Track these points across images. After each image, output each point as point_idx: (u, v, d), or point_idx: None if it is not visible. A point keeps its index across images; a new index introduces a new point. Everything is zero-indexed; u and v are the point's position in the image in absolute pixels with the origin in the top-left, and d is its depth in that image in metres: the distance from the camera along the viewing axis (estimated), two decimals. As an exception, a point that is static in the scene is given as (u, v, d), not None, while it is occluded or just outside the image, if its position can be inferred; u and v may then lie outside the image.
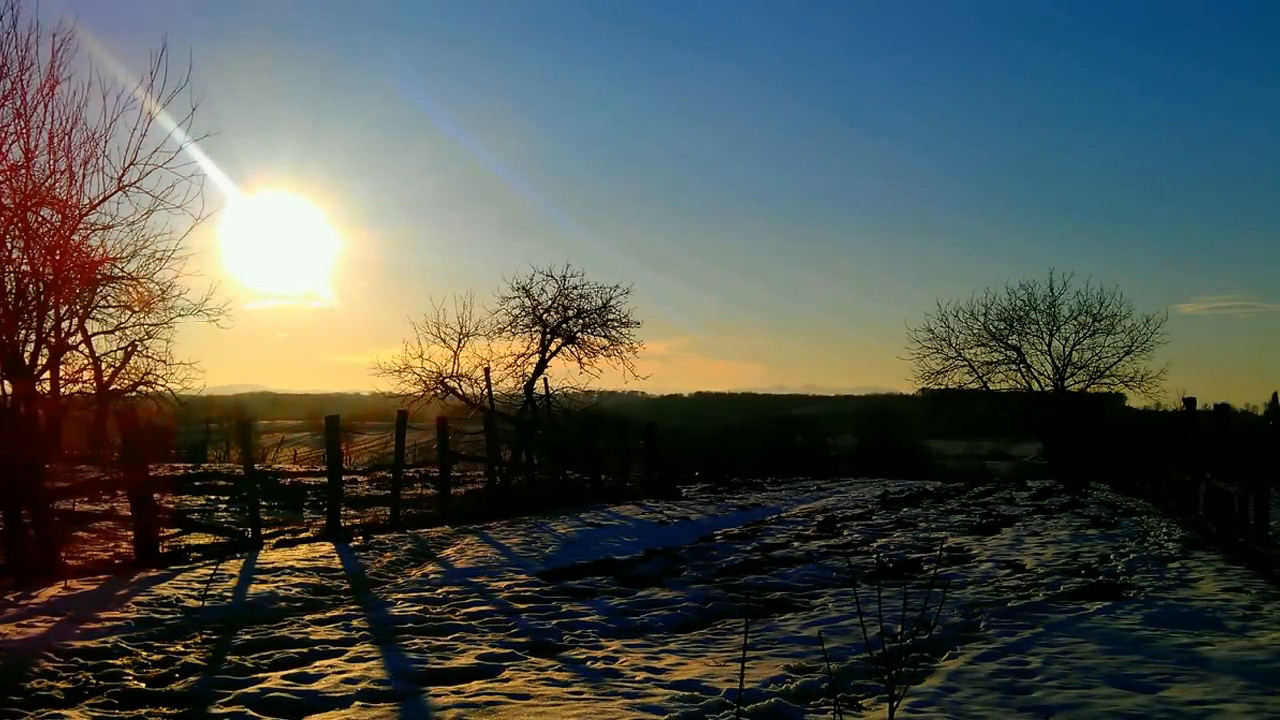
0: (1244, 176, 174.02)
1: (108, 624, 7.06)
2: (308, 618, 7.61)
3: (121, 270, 18.19)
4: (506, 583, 9.37)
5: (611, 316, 24.07)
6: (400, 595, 8.63)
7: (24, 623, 7.07)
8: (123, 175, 13.94)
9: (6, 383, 15.28)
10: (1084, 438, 30.24)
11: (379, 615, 7.74)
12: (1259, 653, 6.12)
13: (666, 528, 15.40)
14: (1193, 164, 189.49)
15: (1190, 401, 14.78)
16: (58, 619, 7.20)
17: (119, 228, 15.51)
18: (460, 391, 23.69)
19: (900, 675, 5.28)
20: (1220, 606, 7.63)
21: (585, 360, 24.14)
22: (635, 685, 5.64)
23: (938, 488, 26.54)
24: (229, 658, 6.24)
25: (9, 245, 14.26)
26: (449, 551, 11.56)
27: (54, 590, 8.35)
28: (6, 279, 14.99)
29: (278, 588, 8.81)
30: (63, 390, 21.35)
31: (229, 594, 8.48)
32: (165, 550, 10.66)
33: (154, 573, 9.40)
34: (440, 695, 5.39)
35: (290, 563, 10.28)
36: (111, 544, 11.12)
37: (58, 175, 13.64)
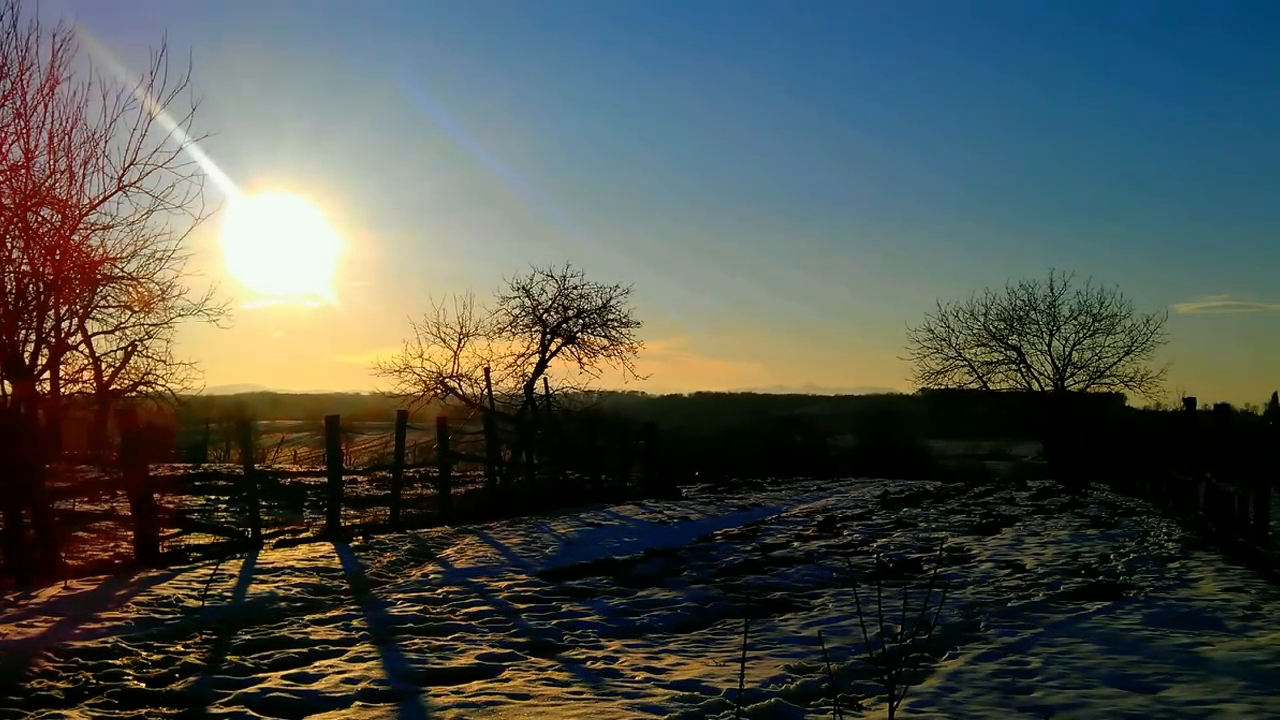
0: (1244, 177, 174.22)
1: (108, 624, 7.07)
2: (308, 618, 7.62)
3: (121, 270, 18.17)
4: (506, 583, 9.37)
5: (611, 316, 24.09)
6: (400, 595, 8.64)
7: (24, 623, 7.07)
8: (123, 175, 13.98)
9: (6, 383, 15.30)
10: (1084, 438, 30.19)
11: (379, 615, 7.74)
12: (1259, 653, 6.12)
13: (666, 528, 15.42)
14: (1192, 164, 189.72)
15: (1190, 401, 14.80)
16: (58, 619, 7.21)
17: (119, 228, 15.56)
18: (460, 391, 23.69)
19: (900, 675, 5.27)
20: (1220, 606, 7.64)
21: (585, 360, 24.16)
22: (635, 685, 5.64)
23: (938, 488, 26.54)
24: (229, 658, 6.24)
25: (9, 245, 14.28)
26: (449, 551, 11.57)
27: (54, 590, 8.35)
28: (6, 279, 14.98)
29: (278, 588, 8.82)
30: (63, 390, 21.33)
31: (229, 594, 8.49)
32: (165, 550, 10.66)
33: (154, 573, 9.41)
34: (440, 695, 5.39)
35: (290, 563, 10.29)
36: (111, 544, 11.12)
37: (58, 175, 13.68)
